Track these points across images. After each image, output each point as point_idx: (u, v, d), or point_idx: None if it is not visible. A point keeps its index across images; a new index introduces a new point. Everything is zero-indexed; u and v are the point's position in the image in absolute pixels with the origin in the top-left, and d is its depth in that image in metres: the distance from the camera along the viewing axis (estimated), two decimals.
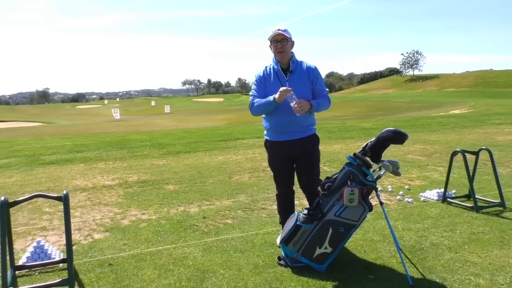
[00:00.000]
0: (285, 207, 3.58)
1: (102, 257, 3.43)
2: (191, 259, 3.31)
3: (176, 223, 4.22)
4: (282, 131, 3.34)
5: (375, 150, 3.08)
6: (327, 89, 3.50)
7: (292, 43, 3.32)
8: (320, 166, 3.54)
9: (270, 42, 3.30)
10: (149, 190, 5.65)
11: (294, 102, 3.11)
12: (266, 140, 3.53)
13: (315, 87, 3.34)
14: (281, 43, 3.24)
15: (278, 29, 3.25)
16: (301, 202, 4.53)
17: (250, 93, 3.48)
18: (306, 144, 3.37)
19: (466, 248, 3.37)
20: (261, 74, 3.40)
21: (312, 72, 3.35)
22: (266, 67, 3.42)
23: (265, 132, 3.53)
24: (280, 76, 3.31)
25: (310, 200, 3.42)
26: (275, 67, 3.35)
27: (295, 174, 3.50)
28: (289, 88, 3.12)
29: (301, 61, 3.39)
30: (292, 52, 3.36)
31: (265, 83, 3.36)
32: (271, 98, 3.21)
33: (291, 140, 3.34)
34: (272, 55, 3.36)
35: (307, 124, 3.38)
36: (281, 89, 3.14)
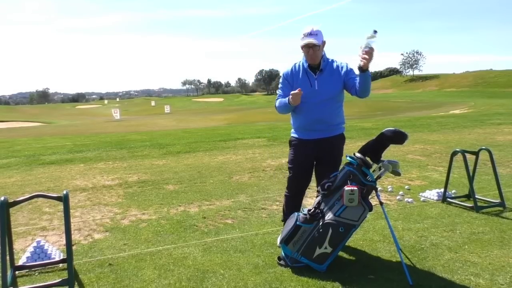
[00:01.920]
0: (293, 208, 3.53)
1: (102, 257, 3.42)
2: (191, 259, 3.31)
3: (176, 223, 4.22)
4: (310, 129, 3.30)
5: (375, 150, 3.08)
6: None
7: (324, 44, 3.23)
8: None
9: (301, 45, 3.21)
10: (149, 190, 5.65)
11: (371, 47, 2.92)
12: (294, 138, 3.45)
13: (351, 76, 3.22)
14: (312, 49, 3.17)
15: (311, 33, 3.13)
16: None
17: (277, 91, 3.46)
18: (334, 143, 3.34)
19: (466, 248, 3.37)
20: (289, 72, 3.35)
21: (344, 66, 3.26)
22: (295, 64, 3.37)
23: (292, 130, 3.48)
24: (309, 74, 3.27)
25: None
26: (305, 64, 3.29)
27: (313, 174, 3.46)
28: (299, 91, 3.09)
29: (332, 60, 3.32)
30: (323, 51, 3.28)
31: (292, 81, 3.31)
32: (287, 100, 3.21)
33: (320, 138, 3.30)
34: (303, 54, 3.26)
35: (336, 122, 3.34)
36: (292, 93, 3.12)
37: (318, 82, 3.22)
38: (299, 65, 3.34)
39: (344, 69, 3.27)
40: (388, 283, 2.83)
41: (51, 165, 7.99)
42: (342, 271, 3.03)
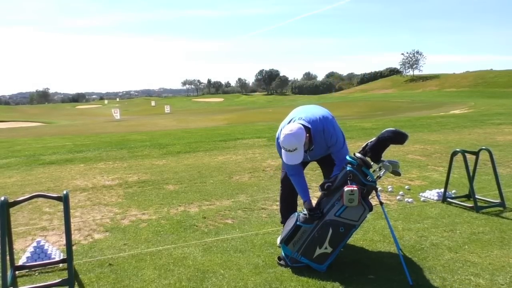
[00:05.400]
0: (287, 207, 3.57)
1: (102, 257, 3.43)
2: (191, 259, 3.31)
3: (176, 223, 4.22)
4: None
5: (375, 150, 3.08)
6: (345, 148, 3.24)
7: (307, 138, 3.06)
8: None
9: None
10: (149, 190, 5.65)
11: None
12: None
13: (333, 152, 3.23)
14: None
15: (289, 150, 2.98)
16: (301, 202, 4.52)
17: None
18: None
19: (466, 248, 3.37)
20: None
21: (329, 140, 3.15)
22: None
23: None
24: None
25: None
26: None
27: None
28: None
29: (319, 132, 3.10)
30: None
31: None
32: (304, 200, 3.21)
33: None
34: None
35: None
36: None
37: (310, 155, 3.28)
38: None
39: (330, 143, 3.16)
40: (388, 283, 2.83)
41: (51, 165, 7.99)
42: (342, 271, 3.03)
